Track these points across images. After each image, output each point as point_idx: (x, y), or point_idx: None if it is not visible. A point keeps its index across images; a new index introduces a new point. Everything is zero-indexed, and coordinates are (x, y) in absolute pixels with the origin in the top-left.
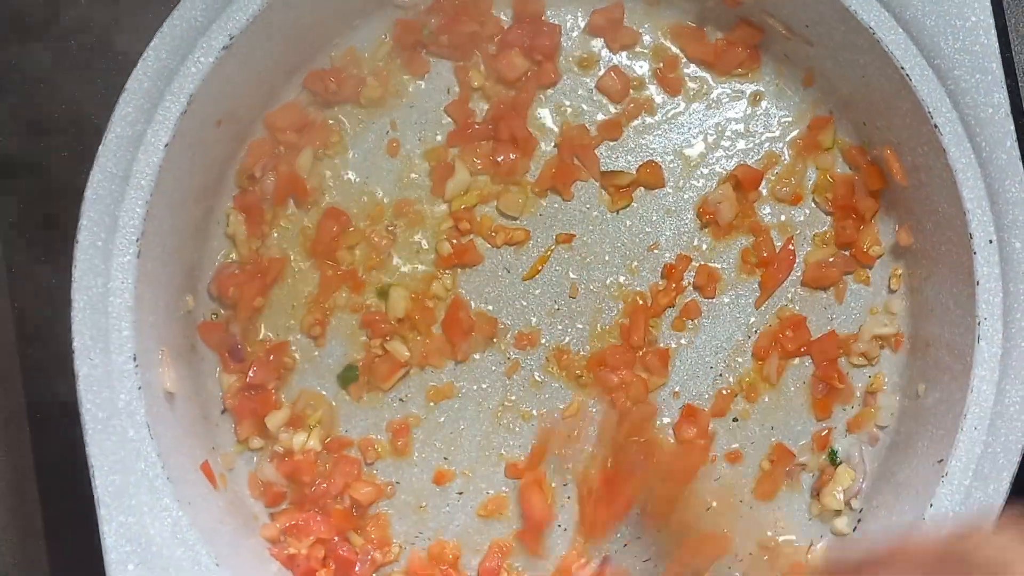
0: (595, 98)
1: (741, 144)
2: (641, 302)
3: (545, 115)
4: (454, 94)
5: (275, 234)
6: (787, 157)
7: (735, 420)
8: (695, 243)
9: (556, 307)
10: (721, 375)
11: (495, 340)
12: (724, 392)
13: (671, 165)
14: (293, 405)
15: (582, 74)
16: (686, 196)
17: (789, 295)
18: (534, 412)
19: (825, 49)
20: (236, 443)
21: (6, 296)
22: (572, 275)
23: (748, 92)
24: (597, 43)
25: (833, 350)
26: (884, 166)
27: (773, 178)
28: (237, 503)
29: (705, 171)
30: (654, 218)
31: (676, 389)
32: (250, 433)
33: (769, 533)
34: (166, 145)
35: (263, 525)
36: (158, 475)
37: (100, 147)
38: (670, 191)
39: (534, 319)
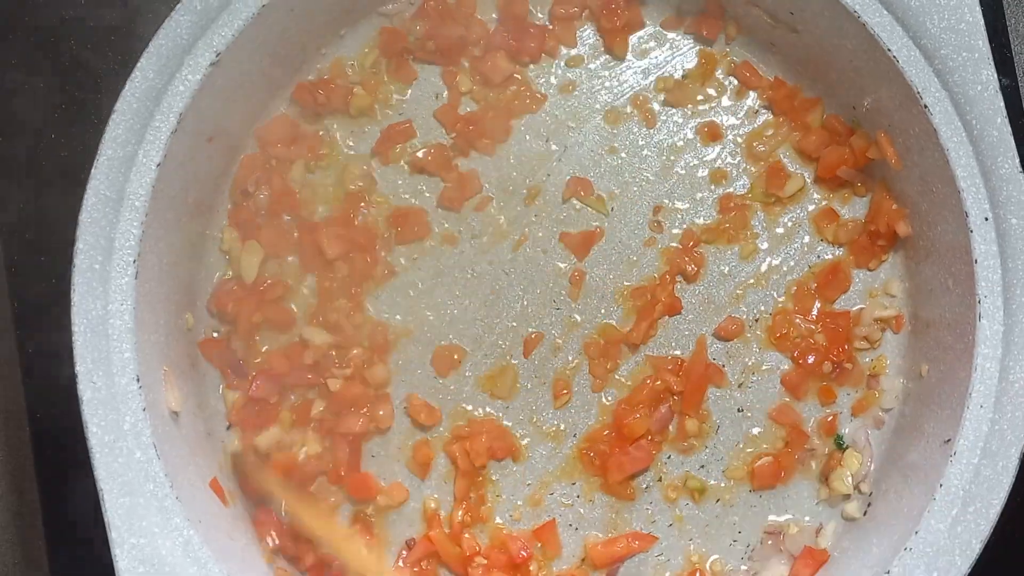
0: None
1: (733, 135)
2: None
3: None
4: (443, 99)
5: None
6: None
7: (739, 411)
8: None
9: (556, 306)
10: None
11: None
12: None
13: (667, 158)
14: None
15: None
16: (680, 191)
17: (791, 277)
18: (537, 419)
19: (811, 36)
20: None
21: (6, 296)
22: (566, 269)
23: (735, 85)
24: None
25: (847, 325)
26: (877, 150)
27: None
28: (246, 518)
29: (695, 161)
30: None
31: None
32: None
33: (771, 518)
34: (158, 165)
35: (272, 540)
36: (167, 495)
37: (92, 170)
38: (668, 186)
39: (535, 323)
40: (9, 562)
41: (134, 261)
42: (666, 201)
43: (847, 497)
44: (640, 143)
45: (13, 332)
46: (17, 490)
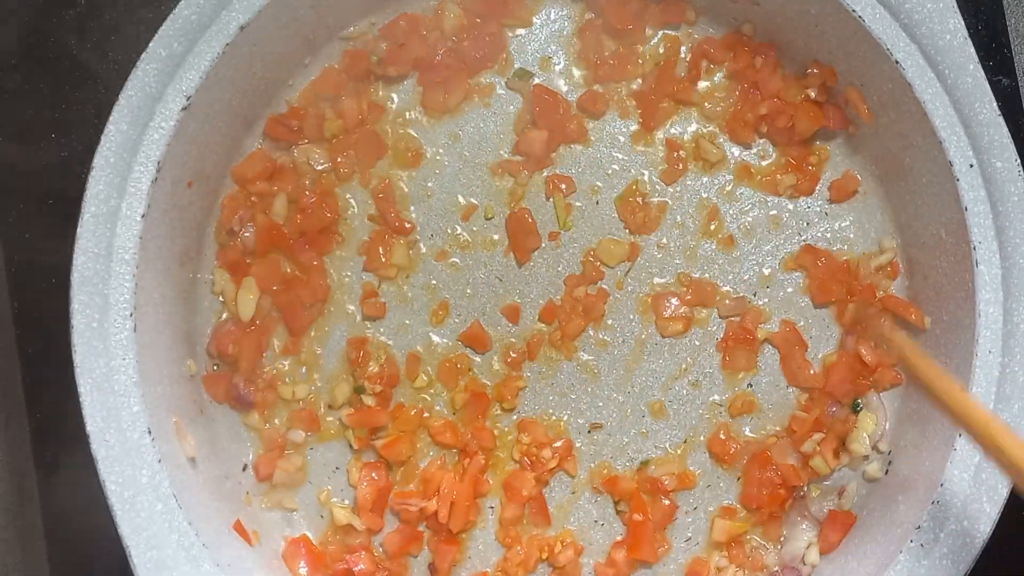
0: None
1: (709, 109)
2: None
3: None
4: (418, 113)
5: None
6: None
7: (750, 385)
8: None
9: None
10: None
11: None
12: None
13: (644, 144)
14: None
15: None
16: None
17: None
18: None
19: (772, 4)
20: (263, 496)
21: (6, 296)
22: (561, 269)
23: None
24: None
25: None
26: (850, 107)
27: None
28: (272, 555)
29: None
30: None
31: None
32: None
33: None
34: (142, 216)
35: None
36: (193, 543)
37: (78, 229)
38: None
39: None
40: (9, 562)
41: (131, 314)
42: (647, 181)
43: (866, 458)
44: (619, 134)
45: (13, 332)
46: (17, 490)
